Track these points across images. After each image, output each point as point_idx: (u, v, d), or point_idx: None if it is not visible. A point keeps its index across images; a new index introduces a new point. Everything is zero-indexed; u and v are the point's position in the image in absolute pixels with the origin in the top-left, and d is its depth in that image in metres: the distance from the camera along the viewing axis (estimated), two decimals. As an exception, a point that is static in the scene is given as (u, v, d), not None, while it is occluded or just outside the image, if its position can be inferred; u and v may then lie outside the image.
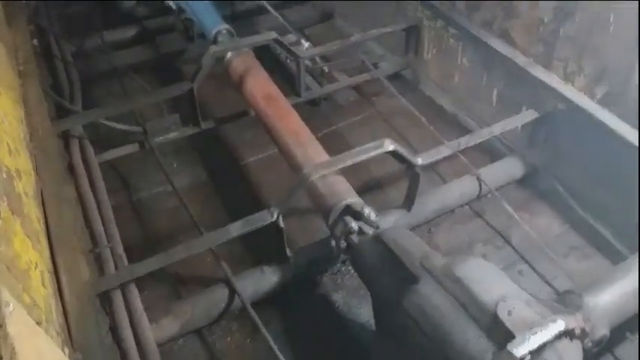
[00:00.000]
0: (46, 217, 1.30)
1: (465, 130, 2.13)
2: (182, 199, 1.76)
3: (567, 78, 1.67)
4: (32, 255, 1.01)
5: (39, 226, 1.20)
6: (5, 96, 1.37)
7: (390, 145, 1.42)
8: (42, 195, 1.38)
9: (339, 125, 2.23)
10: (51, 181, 1.43)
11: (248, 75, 1.99)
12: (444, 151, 1.60)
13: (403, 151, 1.46)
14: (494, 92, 2.00)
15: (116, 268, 1.45)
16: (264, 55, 2.26)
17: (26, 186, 1.19)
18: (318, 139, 1.81)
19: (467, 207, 1.80)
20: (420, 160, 1.51)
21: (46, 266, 1.10)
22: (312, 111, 2.28)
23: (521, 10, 1.76)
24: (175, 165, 2.08)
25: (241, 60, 2.05)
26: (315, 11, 2.95)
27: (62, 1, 2.85)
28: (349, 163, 1.41)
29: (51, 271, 1.13)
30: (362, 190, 1.73)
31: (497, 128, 1.75)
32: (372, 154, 1.41)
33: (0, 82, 1.37)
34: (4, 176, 1.03)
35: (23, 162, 1.28)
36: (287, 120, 1.77)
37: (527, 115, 1.77)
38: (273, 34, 2.02)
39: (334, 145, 2.06)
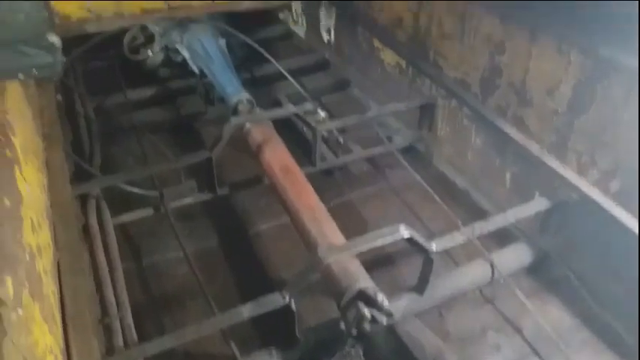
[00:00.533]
0: (61, 290, 1.31)
1: (476, 209, 2.16)
2: (193, 268, 1.77)
3: (581, 170, 1.69)
4: (48, 340, 1.01)
5: (54, 302, 1.20)
6: (30, 165, 1.40)
7: (405, 232, 1.43)
8: (58, 265, 1.38)
9: (351, 196, 2.25)
10: (68, 250, 1.44)
11: (266, 145, 2.04)
12: (458, 237, 1.61)
13: (418, 237, 1.47)
14: (508, 175, 2.02)
15: (125, 341, 1.44)
16: (282, 122, 2.31)
17: (45, 262, 1.20)
18: (330, 208, 1.84)
19: (478, 292, 1.80)
20: (434, 247, 1.52)
21: (59, 348, 1.09)
22: (325, 180, 2.31)
23: (535, 100, 1.80)
24: (188, 230, 2.09)
25: (260, 130, 2.10)
26: (331, 80, 3.04)
27: (87, 57, 2.96)
28: (364, 248, 1.41)
29: (63, 352, 1.13)
30: (373, 264, 1.74)
31: (512, 215, 1.76)
32: (388, 239, 1.42)
33: (26, 151, 1.41)
34: (27, 258, 1.04)
35: (44, 235, 1.29)
36: (303, 195, 1.80)
37: (541, 204, 1.78)
38: (293, 109, 2.08)
39: (346, 216, 2.09)
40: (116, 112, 2.63)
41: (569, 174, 1.72)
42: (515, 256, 1.82)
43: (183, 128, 2.70)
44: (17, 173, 1.20)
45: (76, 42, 2.53)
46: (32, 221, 1.19)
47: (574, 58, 1.62)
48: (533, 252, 1.83)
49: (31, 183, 1.34)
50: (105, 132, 2.48)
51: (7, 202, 1.04)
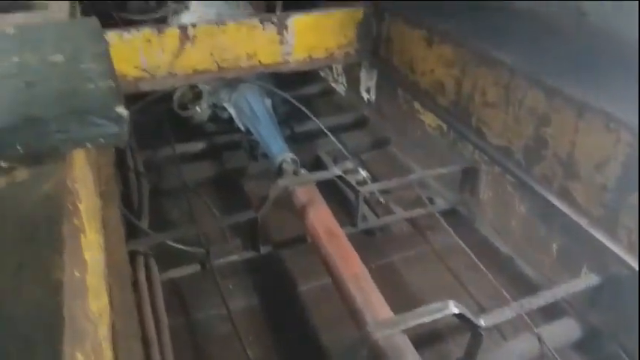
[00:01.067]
0: (115, 354, 1.34)
1: (521, 278, 2.13)
2: (236, 327, 1.80)
3: (632, 246, 1.66)
4: (107, 412, 1.03)
5: (111, 370, 1.23)
6: (92, 229, 1.46)
7: (454, 308, 1.43)
8: (113, 327, 1.42)
9: (393, 258, 2.25)
10: (122, 313, 1.47)
11: (310, 207, 2.08)
12: (507, 312, 1.58)
13: (468, 313, 1.46)
14: (554, 245, 2.00)
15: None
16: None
17: (104, 328, 1.24)
18: (371, 270, 1.84)
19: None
20: (483, 322, 1.50)
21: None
22: (367, 240, 2.32)
23: (583, 174, 1.80)
24: (231, 287, 2.12)
25: (304, 191, 2.15)
26: (371, 138, 3.09)
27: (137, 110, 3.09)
28: (413, 324, 1.41)
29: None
30: (420, 337, 1.72)
31: (561, 291, 1.73)
32: (437, 315, 1.42)
33: (89, 215, 1.47)
34: (92, 329, 1.08)
35: (103, 300, 1.33)
36: (348, 261, 1.81)
37: (591, 279, 1.75)
38: (337, 171, 2.12)
39: (389, 280, 2.09)
40: (164, 165, 2.72)
41: (620, 249, 1.69)
42: (563, 332, 1.78)
43: (227, 182, 2.77)
44: (83, 241, 1.26)
45: (130, 98, 2.66)
46: (94, 289, 1.24)
47: (623, 136, 1.62)
48: (582, 327, 1.78)
49: (92, 248, 1.39)
50: (153, 184, 2.57)
51: (76, 274, 1.08)
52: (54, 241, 1.09)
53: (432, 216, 2.35)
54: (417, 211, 2.37)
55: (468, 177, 2.37)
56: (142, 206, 2.36)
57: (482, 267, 2.10)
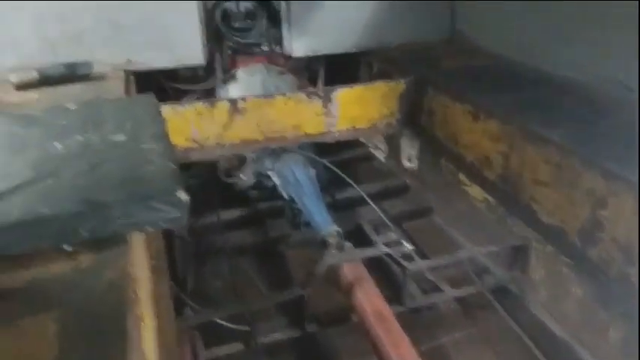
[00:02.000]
0: None
1: (578, 363, 2.03)
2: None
3: None
4: None
5: None
6: (148, 314, 1.46)
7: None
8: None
9: (442, 340, 2.16)
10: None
11: (357, 285, 2.04)
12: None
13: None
14: (615, 332, 1.90)
15: None
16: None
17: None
18: (420, 353, 1.78)
19: None
20: None
21: None
22: (413, 319, 2.24)
23: (645, 259, 1.73)
24: (274, 365, 2.08)
25: (351, 268, 2.12)
26: (413, 206, 3.07)
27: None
28: None
29: None
30: None
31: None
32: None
33: (146, 299, 1.47)
34: None
35: (157, 390, 1.31)
36: (399, 348, 1.76)
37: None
38: (385, 249, 2.10)
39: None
40: (208, 232, 2.74)
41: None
42: None
43: (270, 250, 2.77)
44: (143, 330, 1.26)
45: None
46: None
47: (689, 224, 1.56)
48: None
49: (149, 335, 1.38)
50: (197, 252, 2.58)
51: (138, 370, 1.07)
52: (118, 333, 1.10)
53: (482, 294, 2.28)
54: (466, 290, 2.30)
55: (519, 255, 2.30)
56: (187, 275, 2.36)
57: (536, 351, 2.02)
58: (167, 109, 2.46)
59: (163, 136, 1.78)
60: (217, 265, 2.60)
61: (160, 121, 1.94)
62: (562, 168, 2.03)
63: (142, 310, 1.30)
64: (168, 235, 2.56)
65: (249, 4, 3.03)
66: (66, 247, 1.35)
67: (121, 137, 1.74)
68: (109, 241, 1.38)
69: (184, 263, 2.41)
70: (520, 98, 2.46)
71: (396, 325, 1.85)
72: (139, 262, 1.46)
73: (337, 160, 3.27)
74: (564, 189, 2.03)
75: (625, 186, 1.78)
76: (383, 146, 3.55)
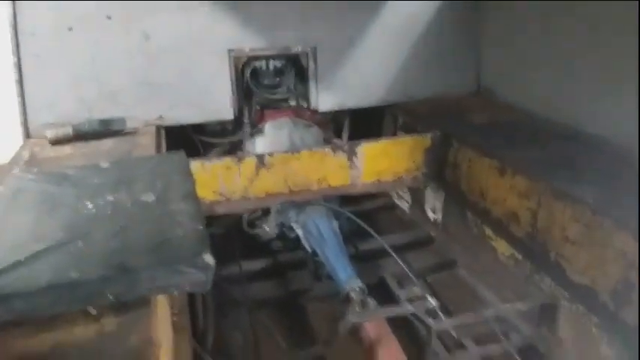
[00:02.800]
0: None
1: None
2: None
3: None
4: None
5: None
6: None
7: None
8: None
9: (467, 403, 2.10)
10: None
11: (380, 344, 2.02)
12: None
13: None
14: (650, 400, 1.81)
15: None
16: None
17: None
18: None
19: None
20: None
21: None
22: (438, 379, 2.19)
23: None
24: None
25: (374, 327, 2.09)
26: (437, 259, 3.03)
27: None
28: None
29: None
30: None
31: None
32: None
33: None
34: None
35: None
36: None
37: None
38: (410, 307, 2.07)
39: None
40: (230, 284, 2.75)
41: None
42: None
43: (290, 302, 2.75)
44: (163, 397, 1.26)
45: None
46: None
47: None
48: None
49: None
50: (217, 303, 2.58)
51: None
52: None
53: (509, 353, 2.21)
54: (492, 348, 2.24)
55: (547, 313, 2.24)
56: (207, 328, 2.35)
57: (568, 420, 1.93)
58: (196, 165, 2.52)
59: (192, 196, 1.82)
60: (238, 317, 2.59)
61: (190, 180, 1.98)
62: (592, 227, 1.99)
63: (163, 375, 1.31)
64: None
65: (278, 63, 3.13)
66: (91, 310, 1.39)
67: (150, 197, 1.78)
68: (133, 305, 1.40)
69: (205, 317, 2.41)
70: (547, 154, 2.45)
71: (420, 390, 1.81)
72: (162, 326, 1.48)
73: (360, 209, 3.28)
74: (595, 248, 1.98)
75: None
76: (407, 196, 3.55)
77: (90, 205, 1.74)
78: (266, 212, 3.11)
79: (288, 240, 3.06)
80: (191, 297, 2.53)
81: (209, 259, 1.47)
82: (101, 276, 1.37)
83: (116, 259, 1.43)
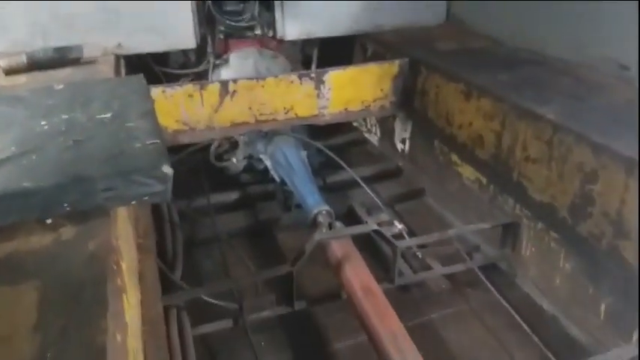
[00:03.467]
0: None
1: (567, 339, 2.02)
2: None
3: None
4: None
5: None
6: (131, 286, 1.46)
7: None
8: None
9: (431, 316, 2.17)
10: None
11: (346, 262, 2.04)
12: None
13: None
14: (603, 305, 1.90)
15: None
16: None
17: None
18: (408, 328, 1.78)
19: None
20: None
21: None
22: (403, 296, 2.25)
23: (634, 233, 1.72)
24: (263, 343, 2.07)
25: (340, 245, 2.11)
26: (405, 188, 3.06)
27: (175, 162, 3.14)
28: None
29: None
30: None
31: (614, 356, 1.63)
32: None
33: (129, 272, 1.47)
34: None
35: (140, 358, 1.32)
36: (385, 320, 1.76)
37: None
38: (374, 226, 2.10)
39: (426, 338, 2.01)
40: (199, 215, 2.74)
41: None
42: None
43: (260, 232, 2.77)
44: (125, 302, 1.26)
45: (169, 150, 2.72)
46: (134, 351, 1.22)
47: (678, 194, 1.56)
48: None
49: (132, 306, 1.39)
50: (187, 235, 2.58)
51: (118, 337, 1.08)
52: (98, 302, 1.10)
53: (471, 272, 2.28)
54: (456, 267, 2.30)
55: (509, 232, 2.30)
56: (177, 258, 2.36)
57: (525, 326, 2.02)
58: (157, 92, 2.45)
59: (150, 114, 1.78)
60: (208, 248, 2.60)
61: (148, 100, 1.93)
62: (553, 144, 2.02)
63: (124, 282, 1.31)
64: (158, 220, 2.56)
65: None
66: (48, 220, 1.36)
67: (107, 115, 1.74)
68: (91, 215, 1.38)
69: (174, 247, 2.40)
70: (513, 77, 2.45)
71: (383, 299, 1.85)
72: (123, 236, 1.46)
73: (330, 144, 3.26)
74: (555, 165, 2.02)
75: (615, 159, 1.77)
76: (376, 130, 3.54)
77: (43, 123, 1.69)
78: (234, 145, 3.07)
79: (256, 172, 3.05)
80: (160, 230, 2.52)
81: (167, 169, 1.44)
82: (55, 184, 1.33)
83: (70, 169, 1.39)
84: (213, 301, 1.98)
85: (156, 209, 2.61)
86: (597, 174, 1.84)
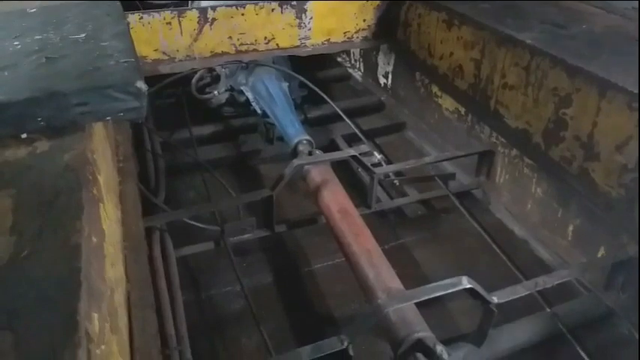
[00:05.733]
0: (130, 323, 1.37)
1: (536, 260, 2.11)
2: (250, 303, 1.82)
3: (651, 227, 1.64)
4: (123, 373, 1.06)
5: (126, 336, 1.26)
6: (110, 201, 1.50)
7: (467, 283, 1.43)
8: (128, 297, 1.45)
9: (406, 239, 2.25)
10: (138, 283, 1.51)
11: (324, 187, 2.09)
12: (520, 290, 1.58)
13: (480, 289, 1.46)
14: (570, 227, 1.98)
15: (185, 374, 1.50)
16: (339, 162, 2.36)
17: (120, 296, 1.27)
18: (384, 251, 1.85)
19: (538, 347, 1.74)
20: (495, 299, 1.50)
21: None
22: (380, 222, 2.32)
23: (603, 155, 1.77)
24: (245, 264, 2.14)
25: (319, 171, 2.15)
26: (387, 122, 3.08)
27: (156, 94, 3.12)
28: (425, 297, 1.41)
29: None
30: (432, 313, 1.72)
31: (576, 270, 1.72)
32: (450, 290, 1.42)
33: (107, 187, 1.50)
34: (109, 293, 1.11)
35: (119, 269, 1.37)
36: (361, 238, 1.82)
37: (608, 259, 1.74)
38: (351, 152, 2.12)
39: (401, 259, 2.09)
40: (181, 148, 2.75)
41: (638, 230, 1.67)
42: (577, 312, 1.77)
43: (242, 164, 2.80)
44: (101, 211, 1.29)
45: (149, 80, 2.69)
46: (111, 256, 1.27)
47: (645, 114, 1.60)
48: (597, 308, 1.77)
49: (110, 218, 1.42)
50: (169, 166, 2.60)
51: (94, 240, 1.11)
52: (73, 207, 1.13)
53: (447, 198, 2.34)
54: (431, 193, 2.36)
55: (485, 160, 2.35)
56: (159, 184, 2.39)
57: (496, 249, 2.10)
58: (134, 19, 2.40)
59: (124, 35, 1.76)
60: (191, 178, 2.63)
61: (122, 22, 1.90)
62: (530, 69, 2.03)
63: (100, 193, 1.34)
64: (140, 149, 2.57)
65: None
66: (23, 135, 1.37)
67: (81, 36, 1.72)
68: (67, 130, 1.39)
69: (157, 174, 2.43)
70: (494, 6, 2.42)
71: (359, 220, 1.91)
72: (99, 152, 1.48)
73: (314, 79, 3.23)
74: (531, 91, 2.04)
75: (589, 81, 1.79)
76: (360, 65, 3.52)
77: (16, 43, 1.67)
78: (215, 79, 3.04)
79: (238, 105, 3.03)
80: (142, 160, 2.54)
81: (141, 85, 1.44)
82: (28, 98, 1.33)
83: (43, 84, 1.39)
84: (195, 223, 2.03)
85: (138, 141, 2.62)
86: (571, 97, 1.87)
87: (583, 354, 1.64)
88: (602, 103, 1.76)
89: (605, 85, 1.74)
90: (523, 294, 1.57)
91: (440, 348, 1.40)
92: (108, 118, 1.47)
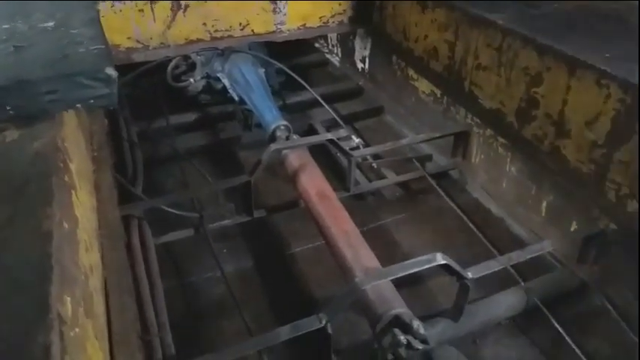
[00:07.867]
0: (108, 309, 1.37)
1: (511, 237, 2.15)
2: (230, 288, 1.84)
3: (620, 201, 1.68)
4: (99, 357, 1.07)
5: (103, 320, 1.26)
6: (84, 188, 1.49)
7: (441, 260, 1.46)
8: (105, 283, 1.45)
9: (385, 221, 2.27)
10: (115, 270, 1.51)
11: (302, 171, 2.10)
12: (494, 265, 1.61)
13: (454, 265, 1.49)
14: (544, 204, 2.02)
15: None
16: (317, 147, 2.36)
17: (96, 281, 1.27)
18: (363, 233, 1.88)
19: (513, 321, 1.79)
20: (470, 274, 1.53)
21: (108, 365, 1.15)
22: (358, 204, 2.33)
23: (573, 131, 1.81)
24: (225, 250, 2.14)
25: (297, 155, 2.16)
26: (365, 106, 3.09)
27: (131, 84, 3.08)
28: (401, 274, 1.44)
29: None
30: (409, 289, 1.75)
31: (548, 245, 1.76)
32: (425, 267, 1.45)
33: (80, 175, 1.49)
34: (83, 278, 1.11)
35: (94, 255, 1.36)
36: (339, 220, 1.84)
37: (578, 235, 1.78)
38: (329, 135, 2.14)
39: (380, 240, 2.12)
40: (158, 137, 2.73)
41: (608, 205, 1.71)
42: (551, 286, 1.81)
43: (221, 152, 2.79)
44: (74, 197, 1.28)
45: (123, 69, 2.67)
46: (85, 242, 1.27)
47: (613, 91, 1.63)
48: (570, 281, 1.82)
49: (84, 206, 1.42)
50: (147, 155, 2.58)
51: (66, 226, 1.11)
52: (44, 194, 1.12)
53: (424, 179, 2.37)
54: (409, 175, 2.39)
55: (460, 141, 2.38)
56: (137, 174, 2.37)
57: (473, 228, 2.13)
58: (106, 7, 2.37)
59: (94, 22, 1.74)
60: (169, 167, 2.62)
61: (92, 9, 1.88)
62: (502, 50, 2.06)
63: (72, 180, 1.33)
64: (117, 139, 2.55)
65: None
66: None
67: (49, 24, 1.70)
68: (37, 118, 1.38)
69: (134, 164, 2.41)
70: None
71: (337, 203, 1.93)
72: (71, 140, 1.47)
73: (292, 65, 3.23)
74: (503, 71, 2.07)
75: (558, 59, 1.82)
76: (337, 50, 3.52)
77: (-18, 33, 1.64)
78: (191, 67, 3.01)
79: (215, 93, 3.02)
80: (119, 149, 2.52)
81: (111, 71, 1.43)
82: (-5, 86, 1.32)
83: (12, 72, 1.38)
84: (173, 211, 2.02)
85: (114, 130, 2.60)
86: (542, 76, 1.90)
87: (557, 326, 1.68)
88: (571, 81, 1.79)
89: (574, 63, 1.77)
90: (497, 268, 1.61)
91: (417, 323, 1.42)
92: (78, 105, 1.47)
